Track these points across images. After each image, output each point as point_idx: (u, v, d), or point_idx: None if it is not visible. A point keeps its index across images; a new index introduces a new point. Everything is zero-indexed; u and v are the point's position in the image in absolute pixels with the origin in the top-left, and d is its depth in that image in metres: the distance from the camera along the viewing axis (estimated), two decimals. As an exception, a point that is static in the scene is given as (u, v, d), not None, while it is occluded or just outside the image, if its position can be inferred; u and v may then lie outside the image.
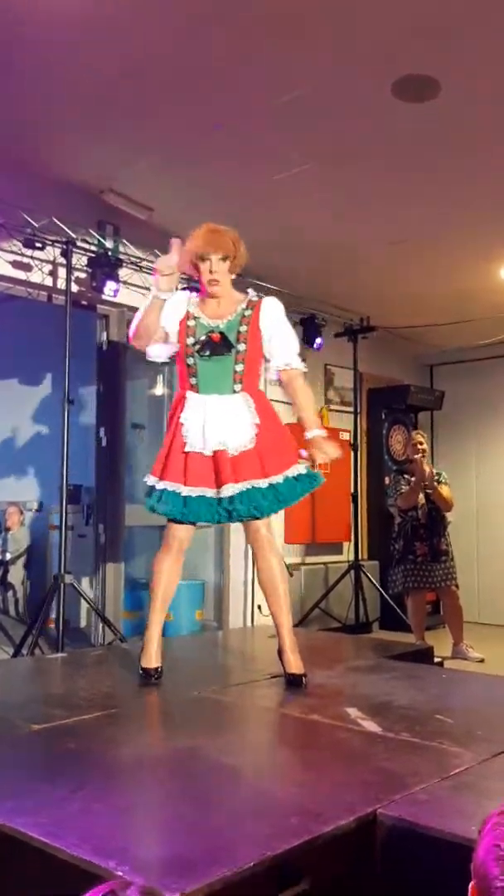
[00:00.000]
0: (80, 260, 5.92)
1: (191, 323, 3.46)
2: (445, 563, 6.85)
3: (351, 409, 8.53)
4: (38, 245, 5.57)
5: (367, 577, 7.70)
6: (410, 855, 1.93)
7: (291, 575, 7.56)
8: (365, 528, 8.49)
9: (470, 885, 1.16)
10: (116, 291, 6.01)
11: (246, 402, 3.46)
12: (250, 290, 3.61)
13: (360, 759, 2.52)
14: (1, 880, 1.94)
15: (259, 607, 7.43)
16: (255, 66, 4.25)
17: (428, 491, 6.85)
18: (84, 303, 6.26)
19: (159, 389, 7.37)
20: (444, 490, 6.88)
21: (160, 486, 3.43)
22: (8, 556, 8.96)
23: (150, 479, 3.49)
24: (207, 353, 3.42)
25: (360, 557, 7.76)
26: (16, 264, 5.75)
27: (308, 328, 7.77)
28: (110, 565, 6.57)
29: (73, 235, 5.75)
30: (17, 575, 8.89)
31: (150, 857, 1.76)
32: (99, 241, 6.02)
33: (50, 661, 4.54)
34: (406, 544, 6.92)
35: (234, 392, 3.45)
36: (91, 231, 5.96)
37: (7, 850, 1.89)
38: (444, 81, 4.29)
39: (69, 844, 1.78)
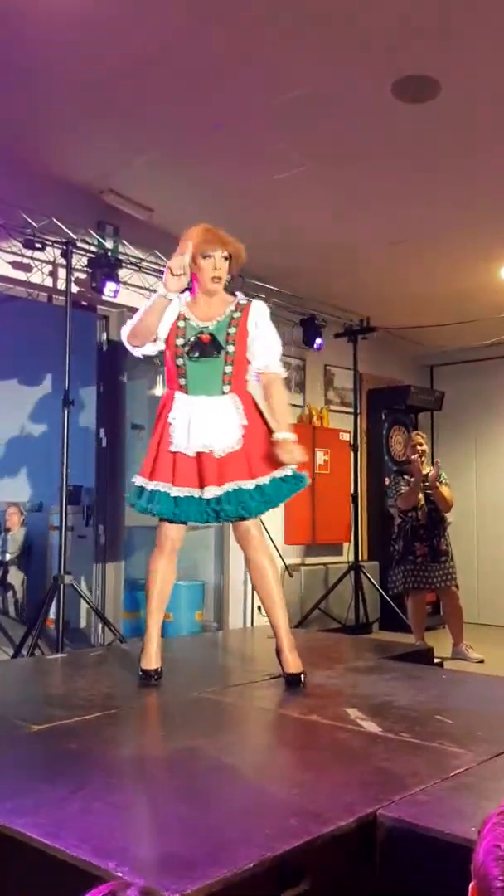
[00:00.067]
0: (80, 260, 5.92)
1: (181, 324, 3.48)
2: (445, 564, 6.85)
3: (351, 409, 8.53)
4: (38, 246, 5.58)
5: (367, 577, 7.70)
6: (410, 855, 1.93)
7: (291, 576, 7.63)
8: (365, 528, 8.48)
9: (470, 886, 1.15)
10: (116, 292, 6.01)
11: (234, 403, 3.48)
12: (238, 293, 3.64)
13: (359, 759, 2.52)
14: (1, 881, 1.93)
15: (259, 608, 7.41)
16: (255, 66, 4.25)
17: (428, 491, 6.85)
18: (84, 303, 6.26)
19: (159, 390, 7.36)
20: (444, 490, 6.87)
21: (150, 486, 3.44)
22: (8, 557, 8.95)
23: (139, 480, 3.49)
24: (196, 354, 3.44)
25: (360, 558, 7.76)
26: (16, 265, 5.75)
27: (308, 329, 7.78)
28: (110, 566, 6.57)
29: (73, 236, 5.75)
30: (17, 575, 8.88)
31: (150, 858, 1.76)
32: (99, 241, 6.02)
33: (50, 661, 4.54)
34: (406, 545, 6.91)
35: (223, 393, 3.47)
36: (91, 232, 5.96)
37: (7, 851, 1.89)
38: (443, 82, 4.29)
39: (69, 845, 1.78)
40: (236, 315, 3.51)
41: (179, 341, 3.46)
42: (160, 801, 2.22)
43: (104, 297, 6.05)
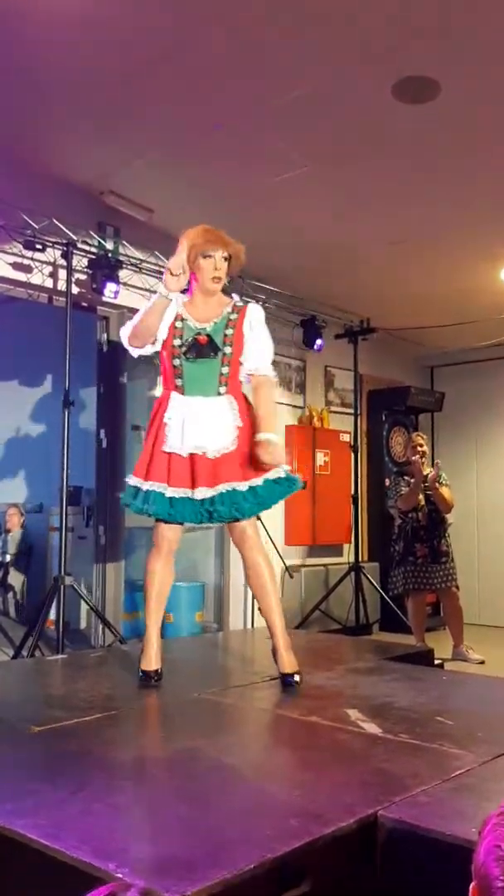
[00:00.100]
0: (80, 261, 5.92)
1: (178, 325, 3.49)
2: (446, 565, 6.85)
3: (351, 410, 8.53)
4: (39, 247, 5.57)
5: (368, 578, 7.70)
6: (411, 857, 1.92)
7: (292, 577, 7.63)
8: (365, 529, 8.48)
9: (471, 886, 1.15)
10: (117, 293, 6.01)
11: (230, 404, 3.50)
12: (234, 295, 3.67)
13: (360, 760, 2.51)
14: (1, 882, 1.93)
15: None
16: (255, 66, 4.25)
17: (428, 492, 6.85)
18: (84, 304, 6.26)
19: (159, 391, 7.35)
20: (445, 491, 6.87)
21: (145, 486, 3.44)
22: (8, 558, 8.95)
23: (134, 480, 3.49)
24: (193, 355, 3.46)
25: (360, 559, 7.76)
26: (16, 266, 5.75)
27: (308, 330, 7.78)
28: (110, 567, 6.57)
29: (74, 237, 5.75)
30: (17, 577, 8.87)
31: (150, 859, 1.76)
32: (99, 242, 6.02)
33: (50, 662, 4.54)
34: (406, 546, 6.91)
35: (219, 394, 3.49)
36: (91, 233, 5.96)
37: (7, 852, 1.89)
38: (443, 83, 4.29)
39: (69, 846, 1.78)
40: (233, 317, 3.54)
41: (177, 342, 3.47)
42: (160, 803, 2.21)
43: (104, 298, 6.05)
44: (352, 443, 8.30)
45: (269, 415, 3.52)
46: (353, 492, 8.04)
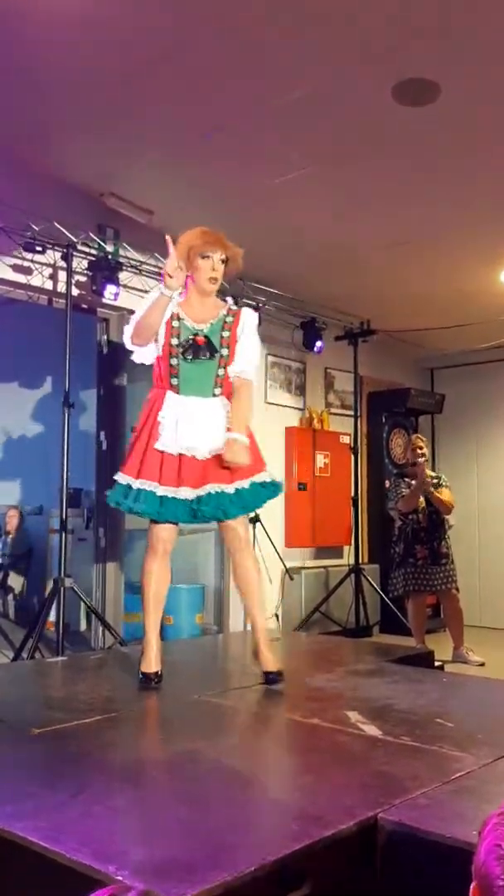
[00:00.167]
0: (80, 263, 5.92)
1: (175, 324, 3.51)
2: (446, 567, 6.84)
3: (351, 412, 8.53)
4: (39, 248, 5.57)
5: (368, 580, 7.70)
6: (411, 859, 1.92)
7: (292, 579, 7.64)
8: (365, 531, 8.48)
9: (471, 887, 1.15)
10: (117, 295, 6.01)
11: (224, 406, 3.55)
12: (229, 298, 3.71)
13: (360, 762, 2.51)
14: (1, 885, 1.93)
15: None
16: (255, 67, 4.25)
17: (428, 494, 6.85)
18: (84, 306, 6.26)
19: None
20: (445, 493, 6.87)
21: (136, 484, 3.45)
22: (7, 560, 8.95)
23: (125, 478, 3.49)
24: (191, 355, 3.48)
25: (360, 561, 7.76)
26: (16, 268, 5.75)
27: (308, 332, 7.78)
28: (110, 569, 6.57)
29: (74, 239, 5.75)
30: (17, 578, 8.87)
31: (150, 862, 1.75)
32: (99, 244, 6.02)
33: (50, 664, 4.53)
34: (406, 547, 6.90)
35: (215, 395, 3.53)
36: (91, 234, 5.96)
37: (7, 855, 1.88)
38: (443, 84, 4.29)
39: (69, 849, 1.77)
40: (229, 319, 3.57)
41: (174, 341, 3.49)
42: (160, 805, 2.21)
43: (104, 300, 6.05)
44: (352, 445, 8.30)
45: (242, 416, 3.55)
46: (353, 494, 8.04)
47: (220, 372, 3.52)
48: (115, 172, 5.50)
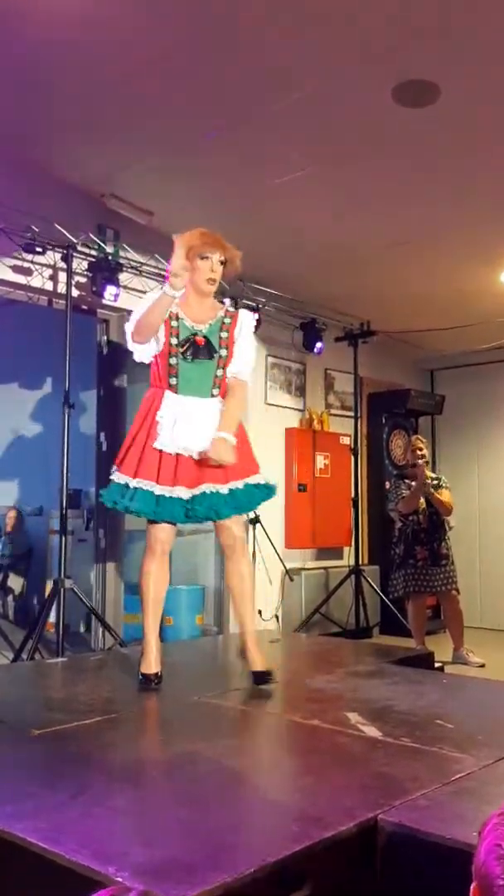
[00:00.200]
0: (80, 264, 5.93)
1: (174, 323, 3.52)
2: (446, 568, 6.84)
3: (351, 413, 8.54)
4: (39, 250, 5.58)
5: (368, 581, 7.70)
6: (411, 861, 1.92)
7: (292, 580, 7.64)
8: (365, 532, 8.48)
9: (471, 888, 1.15)
10: (117, 296, 6.01)
11: (221, 406, 3.56)
12: (226, 300, 3.73)
13: (360, 764, 2.51)
14: (0, 885, 1.93)
15: (259, 612, 7.42)
16: (256, 68, 4.25)
17: (428, 495, 6.85)
18: (84, 307, 6.27)
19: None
20: (445, 494, 6.87)
21: (134, 483, 3.45)
22: (7, 561, 8.95)
23: (122, 477, 3.50)
24: (191, 355, 3.50)
25: (360, 562, 7.76)
26: (16, 269, 5.76)
27: (308, 332, 7.78)
28: (110, 570, 6.57)
29: (74, 240, 5.75)
30: (16, 579, 8.88)
31: (149, 863, 1.75)
32: (99, 245, 6.02)
33: (50, 665, 4.53)
34: (406, 549, 6.90)
35: (213, 396, 3.55)
36: (91, 235, 5.96)
37: (6, 855, 1.88)
38: (443, 86, 4.29)
39: (69, 850, 1.77)
40: (227, 321, 3.60)
41: (173, 340, 3.50)
42: (160, 806, 2.21)
43: (104, 301, 6.06)
44: (352, 446, 8.30)
45: (232, 415, 3.56)
46: (353, 495, 8.04)
47: (219, 373, 3.55)
48: (115, 173, 5.50)
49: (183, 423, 3.45)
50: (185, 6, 3.77)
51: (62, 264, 5.77)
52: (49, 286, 5.98)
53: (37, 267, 5.84)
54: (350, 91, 4.40)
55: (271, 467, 7.72)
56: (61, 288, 5.87)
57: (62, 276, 5.85)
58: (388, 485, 8.17)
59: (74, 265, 5.75)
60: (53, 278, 5.98)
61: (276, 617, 7.74)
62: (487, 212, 5.91)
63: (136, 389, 7.03)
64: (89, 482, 7.01)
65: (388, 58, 4.08)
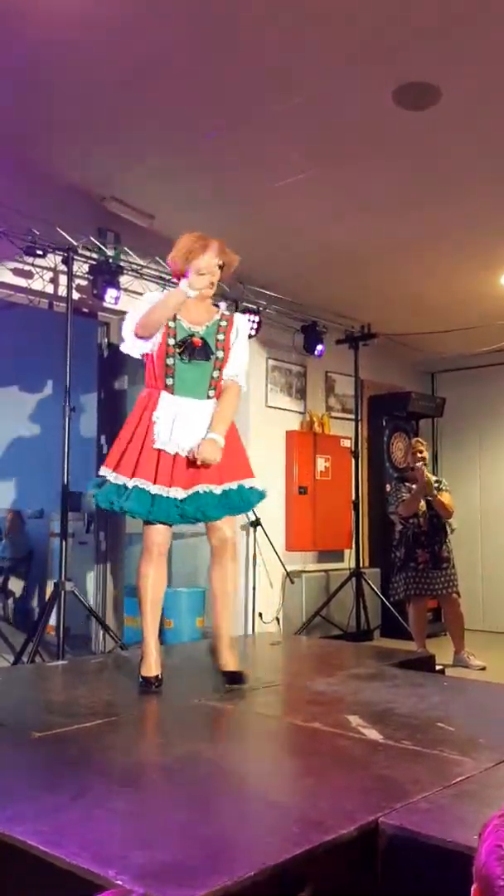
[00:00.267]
0: (80, 267, 5.93)
1: (171, 324, 3.53)
2: (447, 571, 6.84)
3: (352, 416, 8.54)
4: (40, 252, 5.58)
5: (369, 584, 7.69)
6: (412, 864, 1.92)
7: (293, 583, 7.63)
8: (366, 535, 8.48)
9: (472, 889, 1.15)
10: (117, 299, 6.02)
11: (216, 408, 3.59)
12: (222, 304, 3.75)
13: (361, 767, 2.51)
14: (1, 888, 1.93)
15: (260, 615, 7.42)
16: (257, 70, 4.25)
17: (429, 498, 6.84)
18: (85, 310, 6.27)
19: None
20: (445, 497, 6.87)
21: (132, 483, 3.45)
22: (8, 564, 8.96)
23: (120, 478, 3.49)
24: (188, 356, 3.52)
25: (361, 565, 7.75)
26: (17, 272, 5.76)
27: (309, 335, 7.79)
28: (111, 572, 6.57)
29: (74, 243, 5.76)
30: (17, 582, 8.88)
31: (150, 866, 1.75)
32: (100, 248, 6.02)
33: (50, 668, 4.53)
34: (407, 551, 6.90)
35: (208, 398, 3.58)
36: (92, 238, 5.97)
37: (7, 858, 1.88)
38: (444, 88, 4.29)
39: (69, 853, 1.77)
40: (223, 324, 3.63)
41: (171, 341, 3.52)
42: (161, 809, 2.21)
43: (105, 304, 6.07)
44: (352, 448, 8.30)
45: (225, 416, 3.58)
46: (353, 497, 8.03)
47: (215, 374, 3.58)
48: (115, 174, 5.50)
49: (180, 424, 3.47)
50: (185, 6, 3.77)
51: (63, 267, 5.78)
52: (50, 289, 5.98)
53: (37, 270, 5.85)
54: (350, 92, 4.40)
55: (272, 470, 7.73)
56: (62, 291, 5.88)
57: (63, 279, 5.85)
58: (388, 487, 8.18)
59: (75, 268, 5.76)
60: (54, 281, 5.99)
61: (277, 620, 7.74)
62: (488, 214, 5.91)
63: (136, 392, 6.99)
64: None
65: (388, 59, 4.08)
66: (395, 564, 7.11)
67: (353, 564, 7.81)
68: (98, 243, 6.02)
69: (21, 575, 8.99)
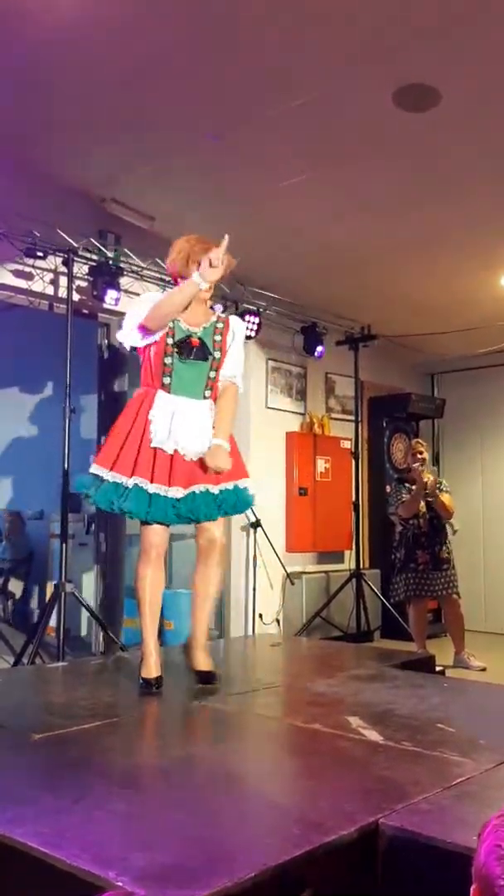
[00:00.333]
0: (81, 269, 5.93)
1: (170, 324, 3.54)
2: (447, 572, 6.84)
3: (352, 417, 8.53)
4: (40, 254, 5.58)
5: (369, 585, 7.69)
6: (412, 865, 1.92)
7: (293, 584, 7.64)
8: (366, 536, 8.48)
9: (472, 889, 1.15)
10: (118, 300, 6.01)
11: (212, 409, 3.62)
12: (218, 306, 3.78)
13: (361, 768, 2.51)
14: (1, 890, 1.92)
15: (260, 616, 7.42)
16: (256, 69, 4.25)
17: (429, 499, 6.84)
18: (85, 311, 6.27)
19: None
20: (445, 498, 6.87)
21: (130, 482, 3.45)
22: (8, 565, 8.95)
23: (120, 477, 3.48)
24: (186, 356, 3.54)
25: (361, 566, 7.75)
26: (17, 273, 5.76)
27: (309, 336, 7.79)
28: (111, 573, 6.56)
29: (75, 244, 5.76)
30: (17, 583, 8.87)
31: (150, 867, 1.75)
32: (100, 250, 6.02)
33: (50, 670, 4.53)
34: (407, 553, 6.90)
35: (205, 398, 3.60)
36: (92, 240, 5.96)
37: (7, 860, 1.88)
38: (444, 90, 4.29)
39: (69, 855, 1.77)
40: (219, 325, 3.65)
41: (169, 340, 3.53)
42: (161, 810, 2.20)
43: (105, 305, 6.07)
44: (353, 449, 8.30)
45: (226, 419, 3.61)
46: (353, 498, 8.03)
47: (212, 374, 3.60)
48: (115, 175, 5.49)
49: (177, 423, 3.47)
50: (185, 6, 3.77)
51: (63, 269, 5.78)
52: (50, 290, 5.98)
53: (38, 271, 5.85)
54: (350, 93, 4.40)
55: (272, 471, 7.73)
56: (62, 292, 5.88)
57: (63, 281, 5.85)
58: (388, 489, 8.18)
59: (75, 269, 5.76)
60: (54, 283, 5.99)
61: (277, 621, 7.74)
62: (488, 215, 5.90)
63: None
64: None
65: (388, 60, 4.08)
66: (396, 565, 7.11)
67: (353, 565, 7.81)
68: (98, 245, 6.02)
69: (21, 576, 8.98)
